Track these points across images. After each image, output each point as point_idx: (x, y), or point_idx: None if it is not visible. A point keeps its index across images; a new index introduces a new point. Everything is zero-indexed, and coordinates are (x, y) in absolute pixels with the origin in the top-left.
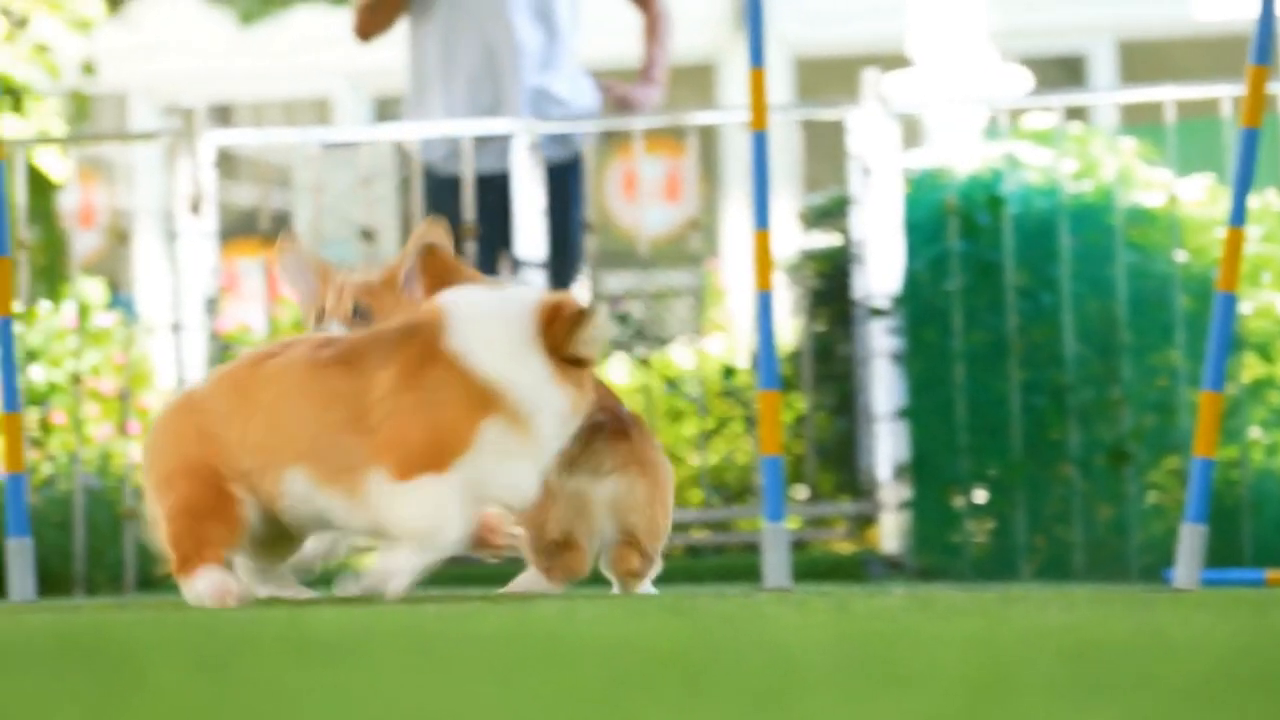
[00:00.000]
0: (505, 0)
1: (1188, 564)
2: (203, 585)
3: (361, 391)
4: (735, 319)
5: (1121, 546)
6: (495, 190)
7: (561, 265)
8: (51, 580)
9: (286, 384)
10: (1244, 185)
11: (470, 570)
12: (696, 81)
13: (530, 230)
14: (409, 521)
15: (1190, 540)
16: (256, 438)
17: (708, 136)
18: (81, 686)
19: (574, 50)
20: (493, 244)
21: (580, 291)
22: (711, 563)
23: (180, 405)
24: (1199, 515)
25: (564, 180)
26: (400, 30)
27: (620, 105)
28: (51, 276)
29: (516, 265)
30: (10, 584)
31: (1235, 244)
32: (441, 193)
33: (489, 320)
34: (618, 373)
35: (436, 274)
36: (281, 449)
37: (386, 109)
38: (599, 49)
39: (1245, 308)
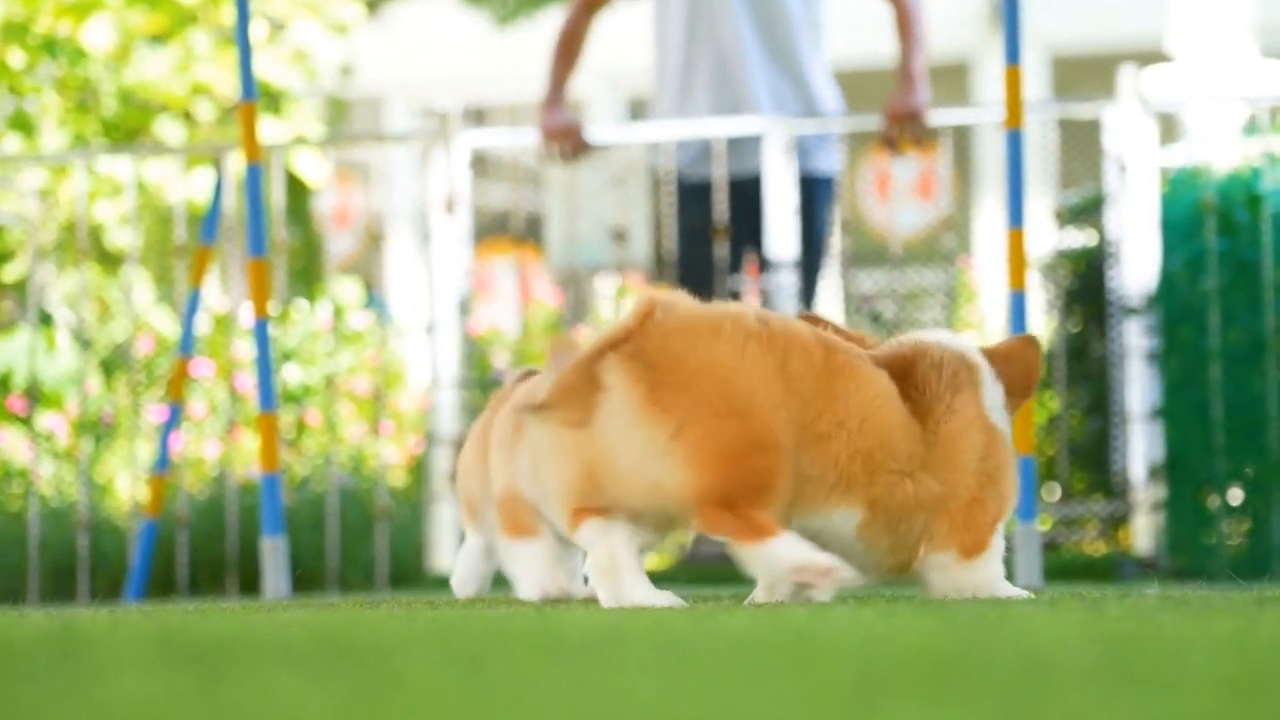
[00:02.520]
0: (734, 3)
1: None
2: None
3: None
4: (988, 318)
5: None
6: (744, 193)
7: (810, 267)
8: (305, 579)
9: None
10: None
11: (716, 570)
12: (951, 80)
13: (781, 231)
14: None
15: None
16: None
17: (962, 135)
18: (335, 683)
19: (820, 52)
20: (741, 245)
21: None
22: None
23: None
24: None
25: (814, 186)
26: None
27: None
28: (307, 278)
29: (765, 266)
30: (265, 582)
31: None
32: (689, 197)
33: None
34: None
35: None
36: None
37: (640, 109)
38: (849, 47)
39: None
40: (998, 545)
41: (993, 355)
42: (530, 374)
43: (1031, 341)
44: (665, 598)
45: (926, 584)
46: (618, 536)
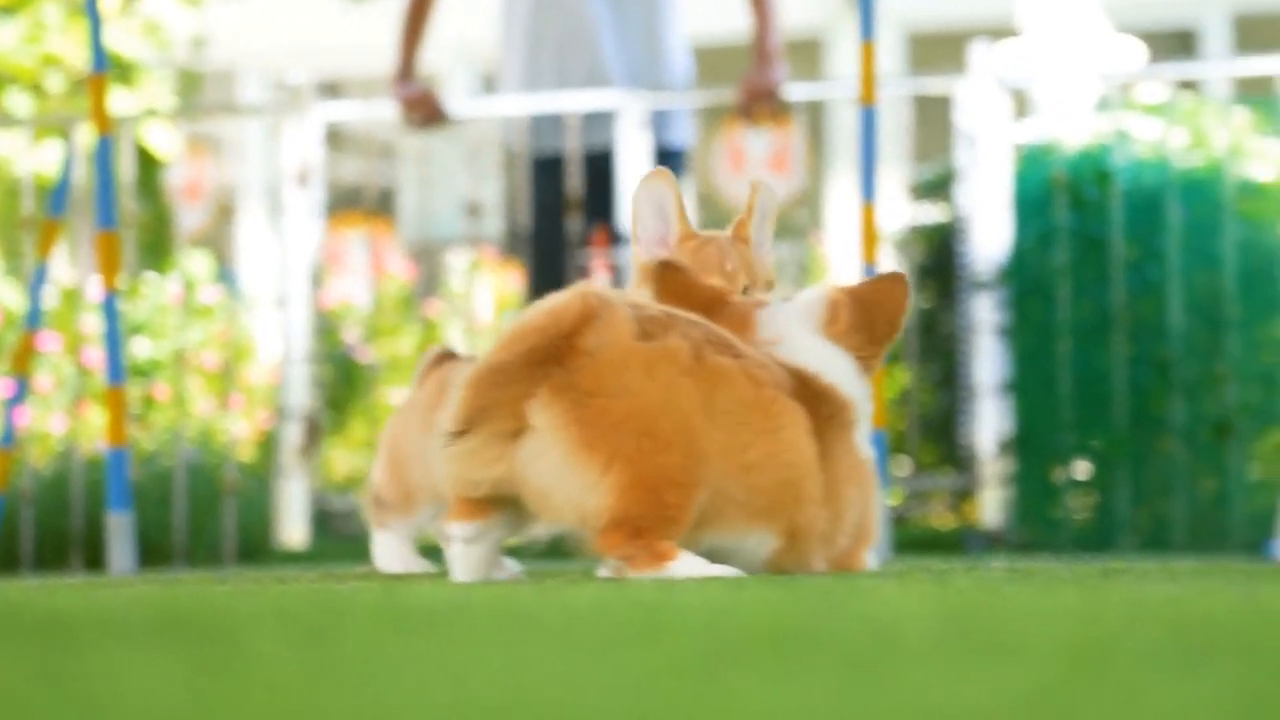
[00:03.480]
0: None
1: None
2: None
3: None
4: None
5: (1224, 520)
6: (597, 167)
7: None
8: (152, 554)
9: None
10: None
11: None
12: (805, 55)
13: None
14: None
15: None
16: None
17: (815, 110)
18: (181, 659)
19: (674, 24)
20: (593, 220)
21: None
22: None
23: None
24: None
25: (667, 159)
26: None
27: (756, 101)
28: (157, 251)
29: (616, 240)
30: (111, 557)
31: None
32: (542, 171)
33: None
34: None
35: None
36: None
37: (494, 83)
38: (703, 22)
39: None
40: None
41: (857, 296)
42: (448, 355)
43: (898, 279)
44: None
45: None
46: (487, 541)
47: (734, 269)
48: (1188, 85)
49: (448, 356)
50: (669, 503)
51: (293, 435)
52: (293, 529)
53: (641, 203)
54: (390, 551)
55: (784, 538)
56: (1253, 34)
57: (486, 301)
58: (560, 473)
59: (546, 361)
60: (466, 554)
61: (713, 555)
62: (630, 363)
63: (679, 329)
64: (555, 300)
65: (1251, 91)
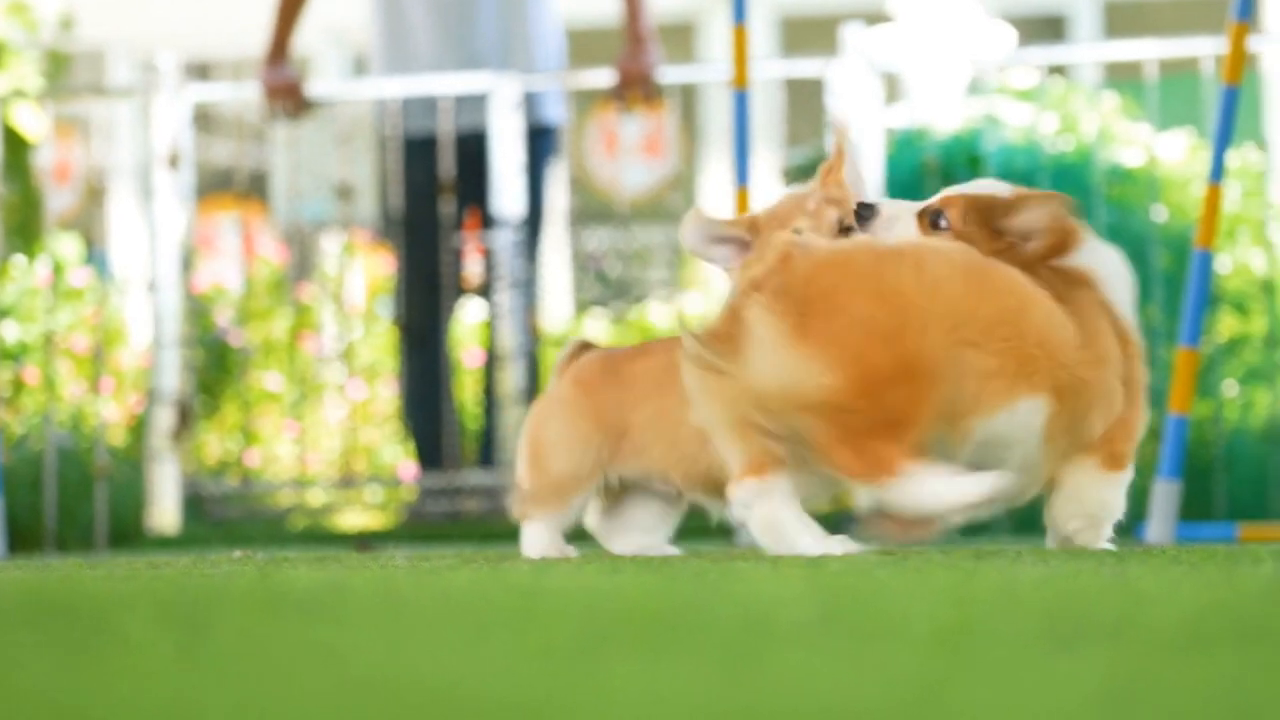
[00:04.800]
0: None
1: (1161, 519)
2: None
3: None
4: (714, 277)
5: None
6: (469, 148)
7: (535, 221)
8: (22, 538)
9: None
10: (1223, 142)
11: (439, 529)
12: (678, 39)
13: (507, 187)
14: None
15: (1164, 496)
16: None
17: (689, 94)
18: (51, 642)
19: (547, 6)
20: (466, 202)
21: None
22: (686, 521)
23: None
24: (1173, 471)
25: (539, 137)
26: None
27: (630, 84)
28: (26, 234)
29: (489, 222)
30: None
31: (1214, 201)
32: (414, 153)
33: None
34: (594, 330)
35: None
36: None
37: (365, 65)
38: (577, 5)
39: (1223, 265)
40: (1130, 469)
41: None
42: (586, 346)
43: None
44: (838, 544)
45: (1055, 494)
46: (776, 493)
47: (817, 206)
48: (1058, 70)
49: (585, 347)
50: (893, 400)
51: (164, 419)
52: (165, 514)
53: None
54: (537, 542)
55: (1054, 398)
56: (1122, 19)
57: (359, 285)
58: (779, 366)
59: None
60: (767, 510)
61: (990, 445)
62: (834, 260)
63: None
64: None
65: (1120, 77)
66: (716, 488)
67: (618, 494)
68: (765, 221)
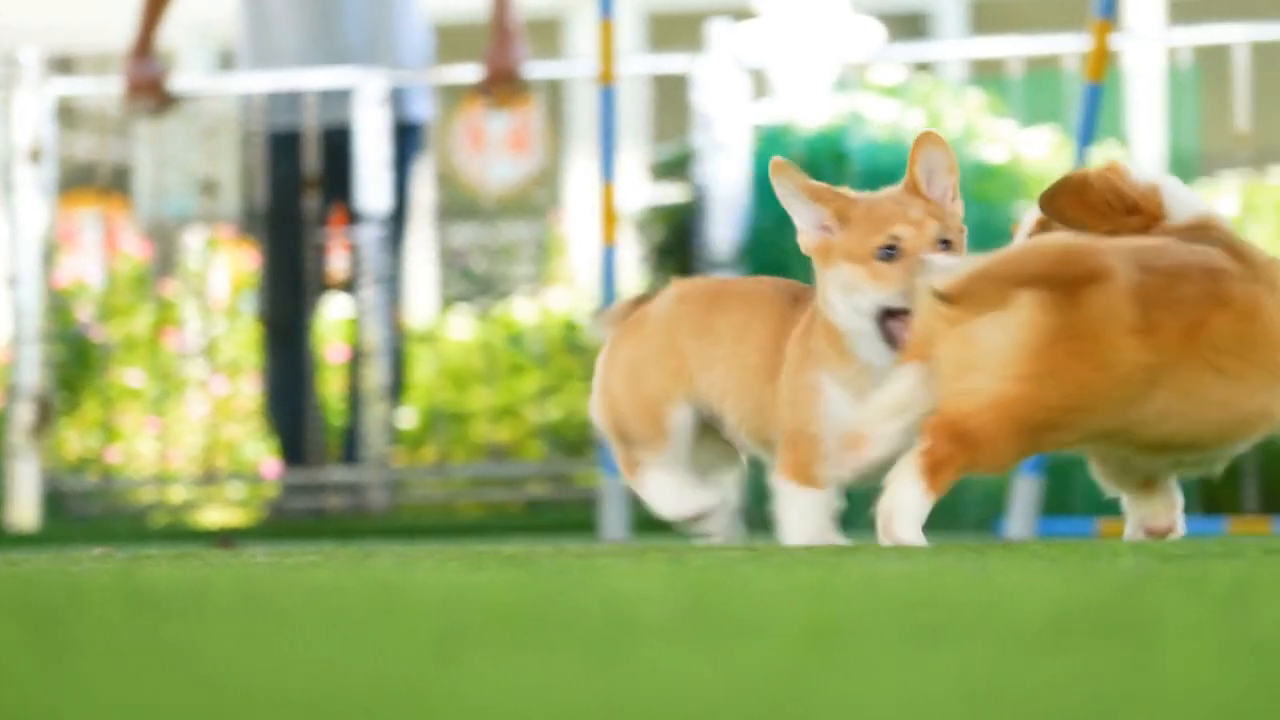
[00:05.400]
0: None
1: (1022, 514)
2: None
3: None
4: (579, 273)
5: (958, 498)
6: (334, 143)
7: (400, 217)
8: None
9: None
10: (1086, 139)
11: (301, 526)
12: (544, 34)
13: (372, 183)
14: None
15: (1025, 491)
16: None
17: (555, 89)
18: None
19: (413, 1)
20: (331, 198)
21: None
22: (550, 517)
23: None
24: (1034, 467)
25: (406, 133)
26: None
27: (497, 80)
28: None
29: (354, 218)
30: None
31: None
32: (278, 148)
33: None
34: (459, 327)
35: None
36: None
37: (230, 60)
38: (445, 1)
39: None
40: None
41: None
42: (645, 299)
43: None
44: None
45: None
46: (906, 479)
47: (921, 217)
48: (923, 67)
49: (645, 300)
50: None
51: (24, 415)
52: (24, 510)
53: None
54: (667, 492)
55: None
56: (986, 17)
57: (223, 280)
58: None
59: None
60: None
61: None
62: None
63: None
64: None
65: (985, 73)
66: (757, 437)
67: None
68: (858, 214)
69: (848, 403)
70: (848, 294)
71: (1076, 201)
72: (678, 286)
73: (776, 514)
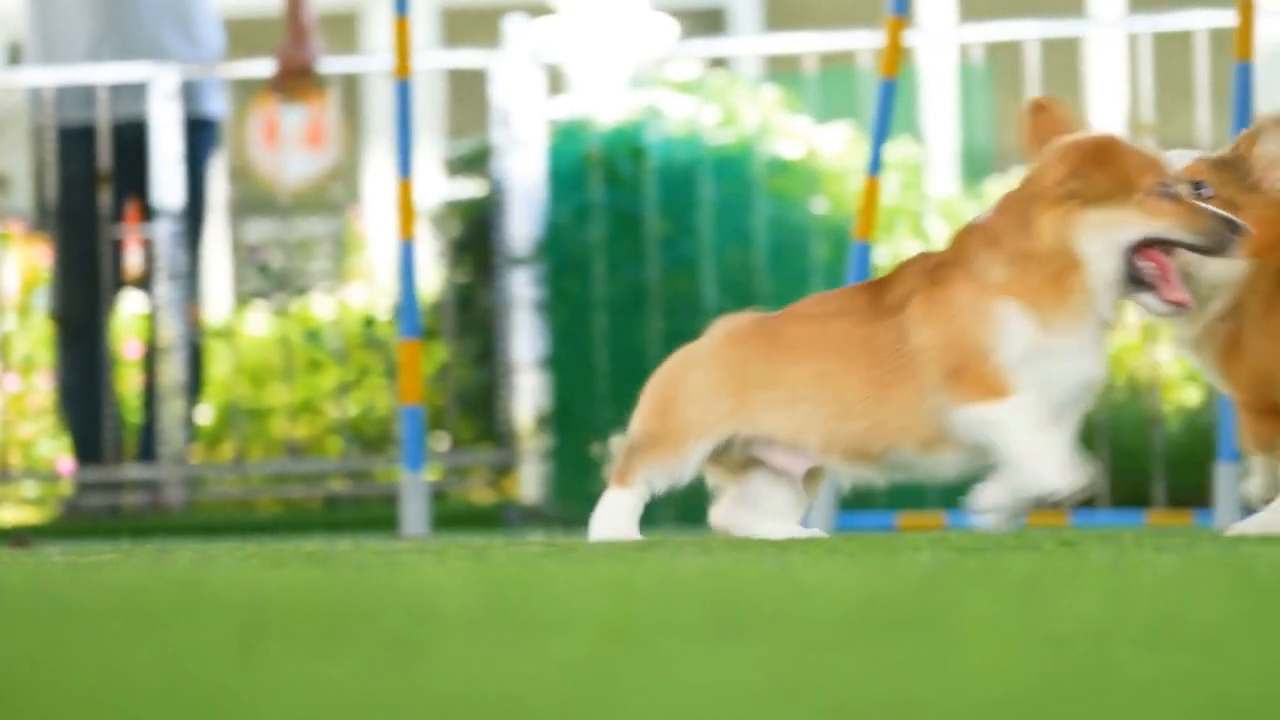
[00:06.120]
0: None
1: (822, 509)
2: None
3: None
4: (377, 268)
5: None
6: (128, 138)
7: (195, 214)
8: None
9: None
10: (881, 135)
11: (96, 523)
12: (339, 29)
13: (166, 178)
14: None
15: (826, 486)
16: None
17: (351, 84)
18: None
19: None
20: (125, 193)
21: None
22: (350, 513)
23: None
24: None
25: (200, 130)
26: None
27: (292, 75)
28: None
29: (149, 214)
30: None
31: (872, 193)
32: (70, 142)
33: None
34: (256, 323)
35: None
36: None
37: (20, 53)
38: None
39: (880, 256)
40: None
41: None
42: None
43: None
44: None
45: None
46: None
47: None
48: (719, 63)
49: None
50: None
51: None
52: None
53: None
54: (612, 517)
55: None
56: (781, 13)
57: (13, 277)
58: None
59: None
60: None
61: None
62: None
63: None
64: None
65: (780, 69)
66: (856, 454)
67: (744, 478)
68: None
69: (1030, 331)
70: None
71: None
72: (726, 325)
73: (990, 441)
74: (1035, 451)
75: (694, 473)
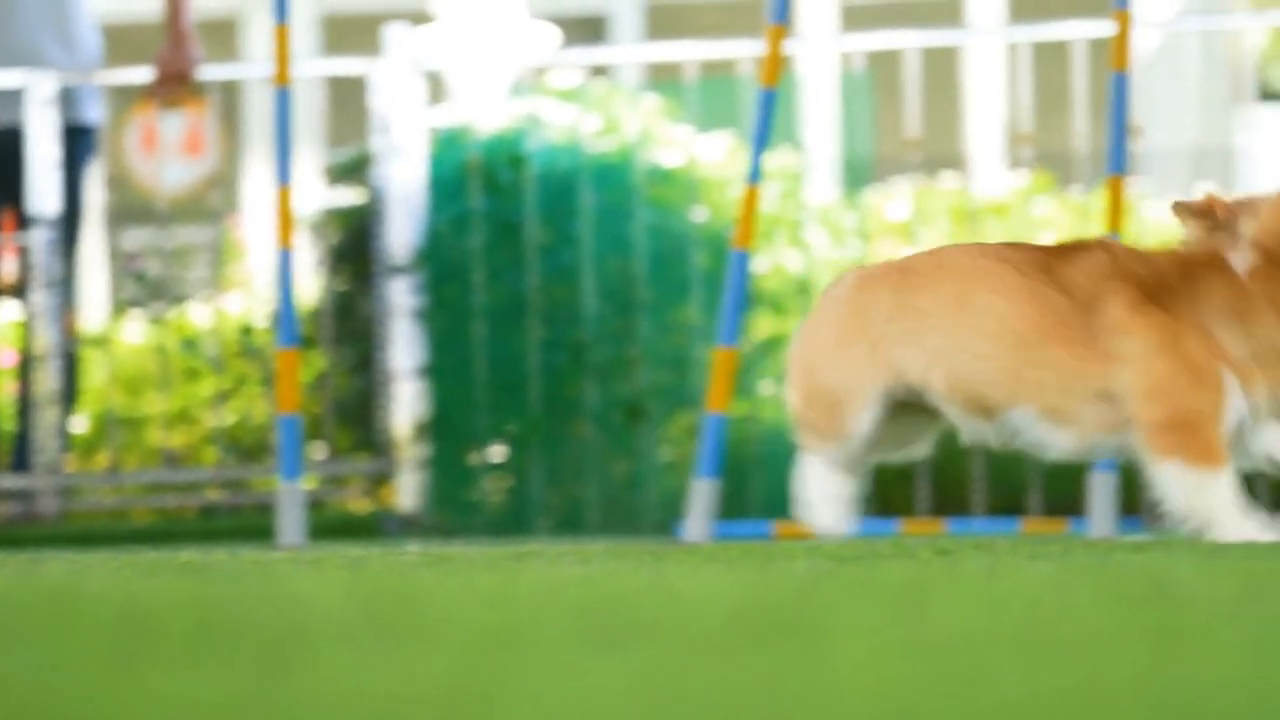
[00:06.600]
0: None
1: (699, 518)
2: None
3: None
4: (255, 277)
5: (636, 502)
6: (2, 145)
7: (72, 222)
8: None
9: None
10: (761, 144)
11: None
12: (219, 35)
13: (42, 186)
14: None
15: (702, 495)
16: None
17: (230, 91)
18: None
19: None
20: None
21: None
22: (226, 523)
23: None
24: (710, 470)
25: (77, 137)
26: None
27: (170, 82)
28: None
29: (25, 222)
30: None
31: (751, 202)
32: None
33: None
34: (133, 331)
35: None
36: None
37: None
38: (116, 2)
39: (760, 265)
40: None
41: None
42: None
43: None
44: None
45: None
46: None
47: None
48: (599, 71)
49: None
50: None
51: None
52: None
53: None
54: (815, 483)
55: None
56: (662, 21)
57: None
58: None
59: None
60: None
61: None
62: None
63: None
64: None
65: (661, 78)
66: (977, 406)
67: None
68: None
69: (1246, 408)
70: None
71: None
72: (857, 275)
73: (1192, 503)
74: (1239, 519)
75: (869, 435)
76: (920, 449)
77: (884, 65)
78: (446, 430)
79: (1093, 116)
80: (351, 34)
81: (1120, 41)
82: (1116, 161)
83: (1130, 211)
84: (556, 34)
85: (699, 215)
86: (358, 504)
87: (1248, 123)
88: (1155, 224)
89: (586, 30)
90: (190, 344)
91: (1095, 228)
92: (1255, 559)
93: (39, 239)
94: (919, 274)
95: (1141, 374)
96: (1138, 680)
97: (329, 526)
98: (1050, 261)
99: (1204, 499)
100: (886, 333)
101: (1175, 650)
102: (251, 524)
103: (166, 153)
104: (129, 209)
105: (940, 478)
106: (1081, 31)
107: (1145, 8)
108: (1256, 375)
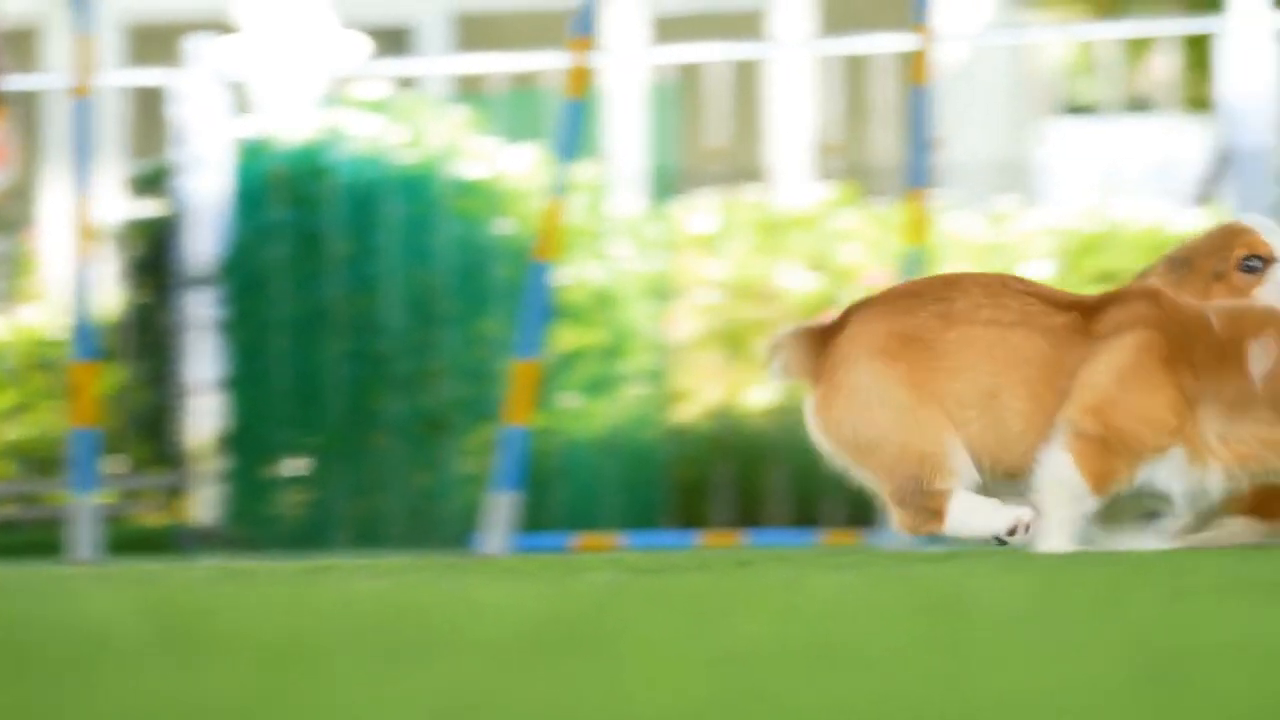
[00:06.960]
0: None
1: (498, 531)
2: None
3: None
4: (52, 289)
5: (436, 513)
6: None
7: None
8: None
9: None
10: (568, 155)
11: None
12: (18, 45)
13: None
14: None
15: (501, 507)
16: None
17: (30, 101)
18: None
19: None
20: None
21: None
22: (19, 537)
23: None
24: (509, 482)
25: None
26: None
27: None
28: None
29: None
30: None
31: (554, 214)
32: None
33: None
34: None
35: None
36: None
37: None
38: None
39: (564, 277)
40: None
41: None
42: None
43: None
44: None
45: None
46: None
47: None
48: (406, 83)
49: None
50: None
51: None
52: None
53: None
54: (981, 508)
55: None
56: (469, 32)
57: None
58: None
59: None
60: None
61: None
62: None
63: None
64: None
65: (468, 90)
66: (1013, 473)
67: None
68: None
69: None
70: None
71: None
72: (865, 344)
73: None
74: (1065, 540)
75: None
76: None
77: (690, 77)
78: (246, 443)
79: (897, 129)
80: (155, 44)
81: (920, 56)
82: (917, 175)
83: (930, 224)
84: (368, 44)
85: (503, 227)
86: (154, 518)
87: (1048, 136)
88: (955, 236)
89: (393, 41)
90: None
91: (896, 240)
92: (1051, 571)
93: None
94: (954, 351)
95: (1095, 388)
96: (933, 692)
97: (125, 541)
98: (1088, 321)
99: (1064, 504)
100: (945, 402)
101: (970, 662)
102: (43, 539)
103: None
104: None
105: (740, 490)
106: (886, 45)
107: (951, 21)
108: (1214, 460)
